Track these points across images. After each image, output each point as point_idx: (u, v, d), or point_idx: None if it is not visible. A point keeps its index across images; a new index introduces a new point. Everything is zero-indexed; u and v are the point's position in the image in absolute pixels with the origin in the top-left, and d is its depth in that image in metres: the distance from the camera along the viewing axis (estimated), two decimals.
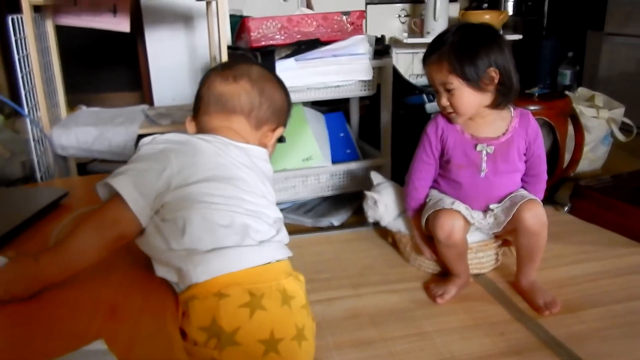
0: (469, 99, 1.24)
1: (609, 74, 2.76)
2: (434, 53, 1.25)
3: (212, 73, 0.89)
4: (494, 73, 1.21)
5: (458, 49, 1.21)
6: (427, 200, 1.38)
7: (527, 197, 1.28)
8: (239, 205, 0.74)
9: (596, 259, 1.48)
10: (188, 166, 0.74)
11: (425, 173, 1.38)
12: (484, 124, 1.30)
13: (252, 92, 0.85)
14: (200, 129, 0.87)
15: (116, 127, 1.54)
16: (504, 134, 1.29)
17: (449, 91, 1.24)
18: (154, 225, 0.72)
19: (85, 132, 1.52)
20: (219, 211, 0.72)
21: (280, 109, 0.90)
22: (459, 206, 1.31)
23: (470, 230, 1.35)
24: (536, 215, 1.24)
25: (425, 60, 1.28)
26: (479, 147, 1.29)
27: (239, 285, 0.68)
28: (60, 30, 1.75)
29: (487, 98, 1.25)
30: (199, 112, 0.87)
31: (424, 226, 1.36)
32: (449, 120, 1.31)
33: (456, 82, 1.22)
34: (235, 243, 0.71)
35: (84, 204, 1.00)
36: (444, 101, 1.26)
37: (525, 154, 1.33)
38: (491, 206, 1.33)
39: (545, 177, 1.37)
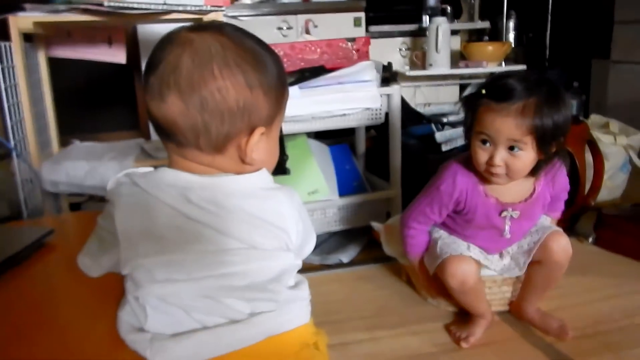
0: (529, 163, 1.07)
1: (617, 102, 2.71)
2: (517, 100, 1.02)
3: (143, 83, 0.60)
4: (563, 140, 1.06)
5: (548, 101, 1.02)
6: (437, 238, 1.24)
7: (547, 230, 1.19)
8: (208, 273, 0.56)
9: (630, 293, 1.37)
10: (135, 241, 0.57)
11: (424, 225, 1.24)
12: (511, 187, 1.14)
13: (187, 112, 0.56)
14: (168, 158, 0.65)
15: (109, 162, 1.45)
16: (531, 195, 1.15)
17: (512, 149, 1.05)
18: (125, 298, 0.61)
19: (76, 166, 1.43)
20: (179, 287, 0.56)
21: (248, 106, 0.58)
22: (474, 250, 1.20)
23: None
24: (564, 249, 1.16)
25: (497, 104, 1.03)
26: (504, 214, 1.14)
27: None
28: (55, 70, 1.68)
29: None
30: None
31: (433, 270, 1.21)
32: (477, 176, 1.13)
33: (530, 143, 1.03)
34: (209, 323, 0.56)
35: (72, 243, 0.90)
36: (499, 160, 1.05)
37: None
38: (506, 249, 1.23)
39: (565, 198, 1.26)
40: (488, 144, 1.06)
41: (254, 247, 0.58)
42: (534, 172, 1.11)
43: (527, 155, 1.05)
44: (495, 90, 1.05)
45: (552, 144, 1.05)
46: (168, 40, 0.58)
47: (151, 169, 0.62)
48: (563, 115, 1.03)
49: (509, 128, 1.02)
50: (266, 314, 0.58)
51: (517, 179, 1.10)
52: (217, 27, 0.59)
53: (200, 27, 0.59)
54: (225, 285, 0.56)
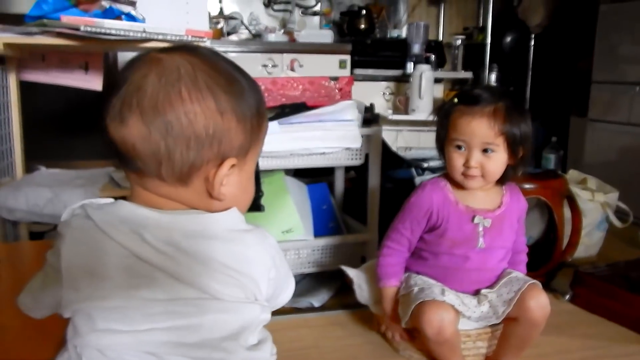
0: (502, 165, 1.14)
1: (594, 159, 2.74)
2: (488, 104, 1.10)
3: (103, 103, 0.54)
4: (528, 147, 1.14)
5: (514, 108, 1.11)
6: (411, 286, 1.20)
7: (527, 281, 1.16)
8: (153, 325, 0.50)
9: (606, 356, 1.33)
10: (79, 281, 0.51)
11: (397, 244, 1.24)
12: (480, 196, 1.19)
13: (149, 136, 0.51)
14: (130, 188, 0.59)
15: (73, 189, 1.37)
16: (499, 207, 1.20)
17: (485, 152, 1.12)
18: (65, 344, 0.54)
19: (37, 193, 1.35)
20: (119, 339, 0.49)
21: (218, 134, 0.53)
22: (449, 295, 1.15)
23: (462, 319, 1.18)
24: (542, 307, 1.13)
25: (470, 108, 1.11)
26: (476, 220, 1.16)
27: None
28: (30, 94, 1.62)
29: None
30: None
31: (407, 318, 1.16)
32: (448, 187, 1.19)
33: (502, 145, 1.11)
34: None
35: (18, 275, 0.83)
36: (474, 162, 1.12)
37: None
38: (483, 291, 1.18)
39: (526, 250, 1.30)
40: (463, 149, 1.13)
41: (214, 297, 0.51)
42: (503, 179, 1.17)
43: (500, 157, 1.12)
44: (467, 97, 1.14)
45: (520, 148, 1.13)
46: (135, 60, 0.55)
47: (111, 200, 0.57)
48: (527, 123, 1.13)
49: (484, 130, 1.10)
50: None
51: (491, 182, 1.16)
52: (189, 48, 0.56)
53: (172, 48, 0.55)
54: (172, 340, 0.49)
